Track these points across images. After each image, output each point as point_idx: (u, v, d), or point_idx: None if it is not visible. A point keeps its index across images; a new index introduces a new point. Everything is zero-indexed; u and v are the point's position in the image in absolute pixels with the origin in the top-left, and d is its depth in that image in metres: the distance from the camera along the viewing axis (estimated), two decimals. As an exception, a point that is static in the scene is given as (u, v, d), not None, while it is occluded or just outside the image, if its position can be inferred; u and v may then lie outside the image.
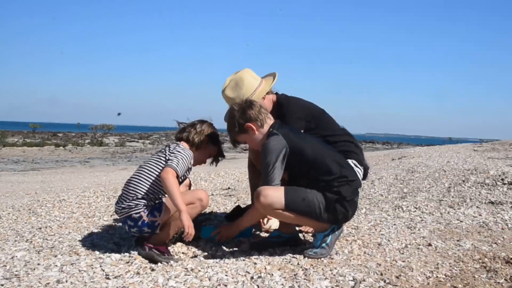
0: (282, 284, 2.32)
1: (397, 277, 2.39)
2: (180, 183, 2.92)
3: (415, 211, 3.89)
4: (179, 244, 2.96)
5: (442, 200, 4.17)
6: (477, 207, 3.91)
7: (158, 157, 2.93)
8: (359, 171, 3.17)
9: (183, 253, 2.87)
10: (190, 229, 2.64)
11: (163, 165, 2.83)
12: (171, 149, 2.93)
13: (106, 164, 14.64)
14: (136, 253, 2.78)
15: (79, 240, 3.15)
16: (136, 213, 2.80)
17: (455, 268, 2.55)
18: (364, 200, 4.48)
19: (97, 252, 2.85)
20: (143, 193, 2.82)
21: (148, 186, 2.84)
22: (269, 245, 2.92)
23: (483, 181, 4.62)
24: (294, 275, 2.43)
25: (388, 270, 2.50)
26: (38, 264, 2.62)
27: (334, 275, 2.42)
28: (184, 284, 2.33)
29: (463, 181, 4.72)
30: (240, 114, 2.85)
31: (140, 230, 2.82)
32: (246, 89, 3.16)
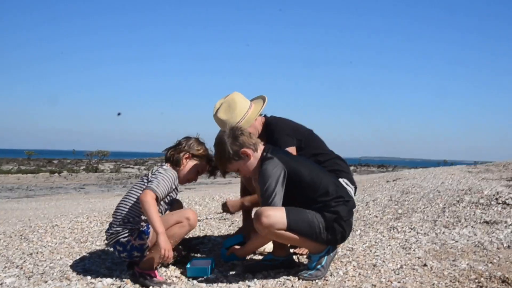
0: (276, 307, 2.29)
1: (392, 298, 2.36)
2: (167, 203, 2.92)
3: (410, 231, 3.86)
4: (172, 267, 2.93)
5: (437, 220, 4.15)
6: (472, 227, 3.89)
7: (142, 181, 2.93)
8: (351, 190, 3.17)
9: (176, 276, 2.83)
10: (167, 252, 2.58)
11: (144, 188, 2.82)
12: (153, 171, 2.93)
13: (101, 190, 14.55)
14: (128, 278, 2.74)
15: (71, 266, 3.11)
16: (123, 238, 2.78)
17: (451, 288, 2.53)
18: (358, 221, 4.45)
19: (88, 277, 2.81)
20: (129, 218, 2.81)
21: (133, 211, 2.83)
22: (263, 268, 2.89)
23: (477, 201, 4.61)
24: (288, 297, 2.41)
25: (383, 291, 2.47)
26: (28, 290, 2.58)
27: (328, 297, 2.40)
28: (176, 308, 2.30)
29: (458, 201, 4.71)
30: (232, 141, 2.80)
31: (129, 254, 2.79)
32: (239, 111, 3.17)
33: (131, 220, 2.81)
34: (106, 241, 2.92)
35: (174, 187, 2.92)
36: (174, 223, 2.74)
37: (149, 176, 2.90)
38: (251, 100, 3.33)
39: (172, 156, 2.97)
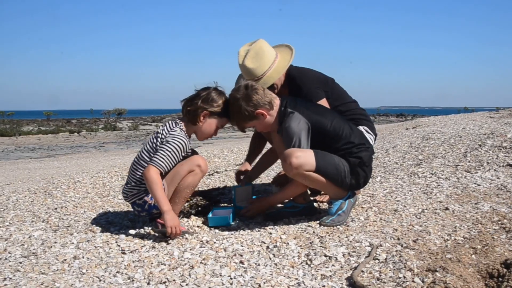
0: (298, 252, 2.31)
1: (414, 241, 2.36)
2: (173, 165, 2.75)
3: (431, 177, 3.83)
4: (193, 217, 2.96)
5: (459, 165, 4.10)
6: (494, 170, 3.83)
7: (152, 143, 2.79)
8: (372, 137, 3.13)
9: (198, 226, 2.86)
10: (173, 229, 2.56)
11: (153, 155, 2.71)
12: (165, 134, 2.76)
13: (121, 148, 14.73)
14: (150, 228, 2.78)
15: (94, 219, 3.17)
16: (139, 199, 2.79)
17: (474, 230, 2.51)
18: (379, 168, 4.43)
19: (112, 229, 2.86)
20: (142, 179, 2.71)
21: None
22: (284, 215, 2.91)
23: (500, 145, 4.53)
24: (310, 243, 2.42)
25: (405, 234, 2.47)
26: (55, 242, 2.64)
27: (350, 241, 2.40)
28: (199, 255, 2.33)
29: (480, 145, 4.63)
30: (246, 102, 2.71)
31: (149, 212, 2.82)
32: (267, 60, 2.98)
33: (144, 181, 2.70)
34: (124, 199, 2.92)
35: (184, 154, 2.77)
36: (186, 173, 2.71)
37: (158, 141, 2.76)
38: (275, 47, 3.16)
39: (189, 113, 2.79)
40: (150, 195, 2.74)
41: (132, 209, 2.94)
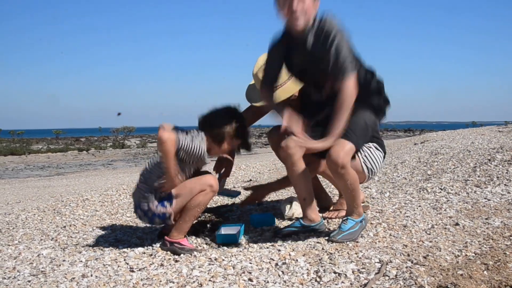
0: (307, 269, 2.29)
1: (424, 257, 2.33)
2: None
3: (440, 192, 3.80)
4: (201, 235, 2.95)
5: (468, 180, 4.07)
6: (505, 185, 3.80)
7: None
8: (381, 155, 3.11)
9: (206, 243, 2.85)
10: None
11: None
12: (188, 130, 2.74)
13: (129, 165, 14.78)
14: (159, 246, 2.77)
15: (103, 236, 3.17)
16: (144, 204, 2.73)
17: (485, 245, 2.48)
18: (387, 184, 4.40)
19: (120, 247, 2.86)
20: (152, 185, 2.70)
21: (157, 175, 2.71)
22: (293, 233, 2.88)
23: (510, 159, 4.49)
24: (319, 259, 2.40)
25: (415, 250, 2.44)
26: (64, 260, 2.64)
27: (359, 258, 2.38)
28: (208, 273, 2.32)
29: (489, 160, 4.60)
30: None
31: (151, 220, 2.76)
32: (281, 76, 2.99)
33: (156, 184, 2.69)
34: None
35: (194, 162, 2.74)
36: (198, 192, 2.71)
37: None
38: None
39: (215, 133, 2.74)
40: (156, 204, 2.70)
41: (141, 224, 2.94)
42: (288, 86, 3.05)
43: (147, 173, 2.76)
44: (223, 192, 3.19)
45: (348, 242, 2.64)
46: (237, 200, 3.99)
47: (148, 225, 2.99)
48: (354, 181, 2.67)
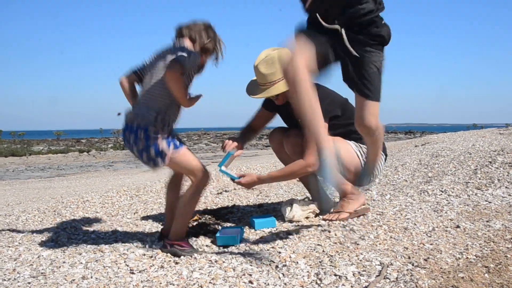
0: (308, 272, 2.29)
1: (425, 260, 2.33)
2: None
3: (441, 194, 3.79)
4: (202, 237, 2.95)
5: (469, 182, 4.06)
6: (506, 187, 3.79)
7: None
8: (382, 158, 3.12)
9: (206, 245, 2.85)
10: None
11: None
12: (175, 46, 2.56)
13: (130, 167, 14.77)
14: (159, 248, 2.77)
15: (103, 238, 3.17)
16: (154, 133, 2.50)
17: (486, 248, 2.47)
18: (388, 186, 4.40)
19: (121, 249, 2.85)
20: (161, 107, 2.51)
21: (160, 99, 2.53)
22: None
23: (511, 161, 4.49)
24: (320, 262, 2.39)
25: (416, 253, 2.44)
26: (64, 262, 2.64)
27: (360, 260, 2.38)
28: (208, 275, 2.32)
29: (490, 162, 4.59)
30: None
31: (145, 149, 2.52)
32: (279, 72, 3.00)
33: (163, 109, 2.50)
34: (125, 121, 2.58)
35: (193, 72, 2.59)
36: (194, 168, 2.61)
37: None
38: None
39: (199, 41, 2.57)
40: (165, 136, 2.52)
41: (141, 226, 2.93)
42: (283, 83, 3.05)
43: (150, 96, 2.55)
44: (226, 171, 3.12)
45: (348, 244, 2.64)
46: (239, 194, 3.98)
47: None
48: (382, 136, 2.78)
